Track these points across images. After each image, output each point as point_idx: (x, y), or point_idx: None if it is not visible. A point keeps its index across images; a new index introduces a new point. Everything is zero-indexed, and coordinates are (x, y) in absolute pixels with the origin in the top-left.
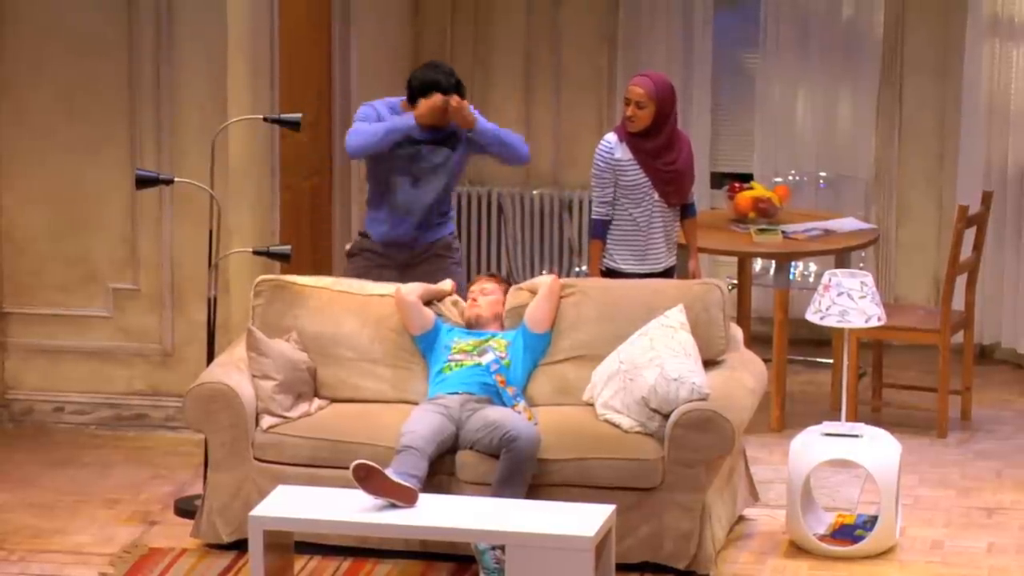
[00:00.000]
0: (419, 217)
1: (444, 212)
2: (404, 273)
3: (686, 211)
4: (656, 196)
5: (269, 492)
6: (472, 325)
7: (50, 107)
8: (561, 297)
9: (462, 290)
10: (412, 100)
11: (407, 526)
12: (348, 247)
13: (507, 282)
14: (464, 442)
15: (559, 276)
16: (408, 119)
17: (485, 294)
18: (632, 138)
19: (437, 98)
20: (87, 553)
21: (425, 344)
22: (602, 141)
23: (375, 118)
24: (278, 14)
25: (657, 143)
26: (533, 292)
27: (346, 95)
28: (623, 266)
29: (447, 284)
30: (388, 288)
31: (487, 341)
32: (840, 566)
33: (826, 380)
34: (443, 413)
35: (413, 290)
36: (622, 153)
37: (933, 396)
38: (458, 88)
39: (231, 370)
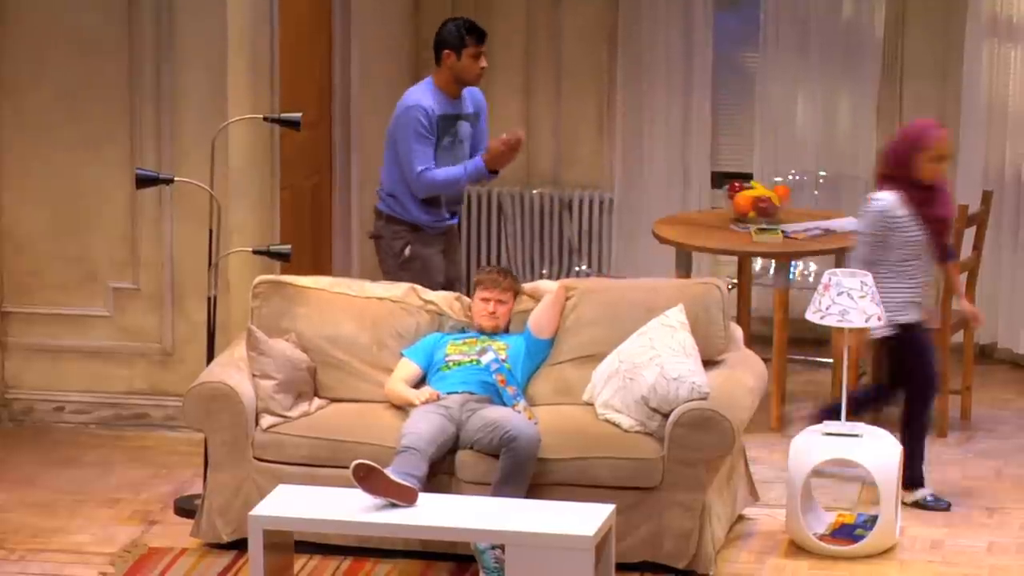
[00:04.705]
0: (457, 204)
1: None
2: (444, 258)
3: (947, 254)
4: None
5: (269, 491)
6: (484, 332)
7: (50, 107)
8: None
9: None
10: (453, 44)
11: (407, 526)
12: (407, 252)
13: (515, 279)
14: (464, 442)
15: (559, 276)
16: (479, 166)
17: (502, 304)
18: (910, 191)
19: (516, 140)
20: (87, 552)
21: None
22: (877, 199)
23: (431, 130)
24: (278, 14)
25: (932, 192)
26: (533, 297)
27: (346, 95)
28: (913, 318)
29: (424, 393)
30: (387, 290)
31: (484, 342)
32: (840, 566)
33: (826, 379)
34: (443, 414)
35: (396, 399)
36: (902, 210)
37: None
38: (481, 33)
39: (231, 369)
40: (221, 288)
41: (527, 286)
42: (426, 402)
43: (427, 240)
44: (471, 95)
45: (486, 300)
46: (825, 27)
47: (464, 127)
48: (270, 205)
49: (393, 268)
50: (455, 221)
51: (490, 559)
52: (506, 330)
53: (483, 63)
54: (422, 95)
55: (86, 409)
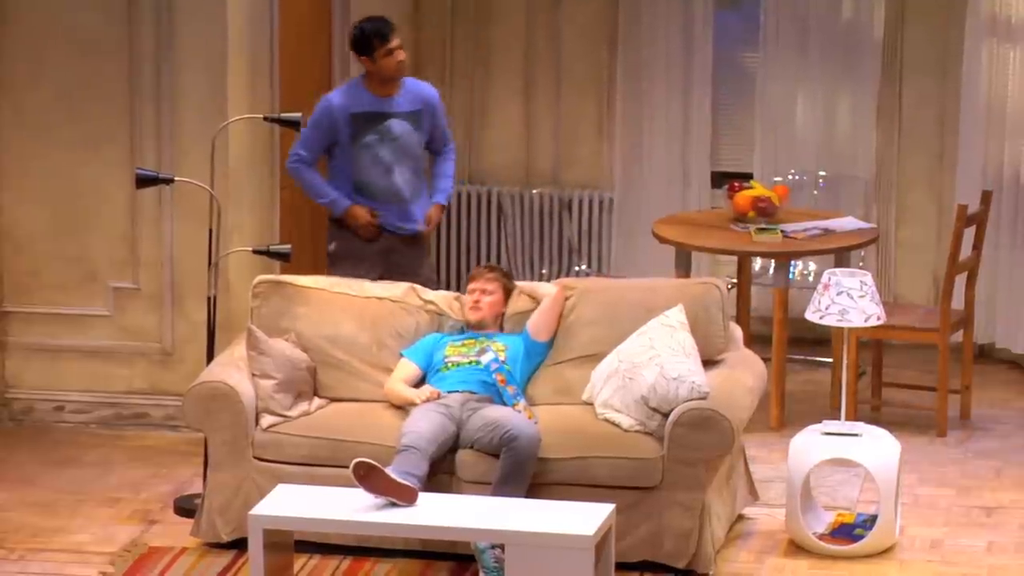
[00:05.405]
0: (399, 203)
1: (419, 194)
2: (385, 261)
3: None
4: None
5: (269, 491)
6: (472, 326)
7: (50, 106)
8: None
9: (430, 281)
10: (363, 50)
11: (407, 525)
12: (331, 248)
13: (507, 275)
14: (464, 441)
15: (559, 275)
16: (337, 209)
17: (487, 294)
18: None
19: (372, 227)
20: (87, 552)
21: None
22: None
23: (327, 126)
24: (278, 14)
25: None
26: (532, 297)
27: None
28: None
29: (424, 392)
30: (386, 290)
31: (483, 343)
32: (840, 565)
33: (825, 379)
34: (444, 413)
35: (396, 399)
36: None
37: (932, 395)
38: (384, 34)
39: (231, 369)
40: (221, 288)
41: (524, 285)
42: (426, 401)
43: (356, 243)
44: (414, 92)
45: (471, 291)
46: (825, 26)
47: (397, 125)
48: (270, 205)
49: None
50: (409, 228)
51: (490, 558)
52: (501, 328)
53: (399, 57)
54: (340, 93)
55: (86, 409)
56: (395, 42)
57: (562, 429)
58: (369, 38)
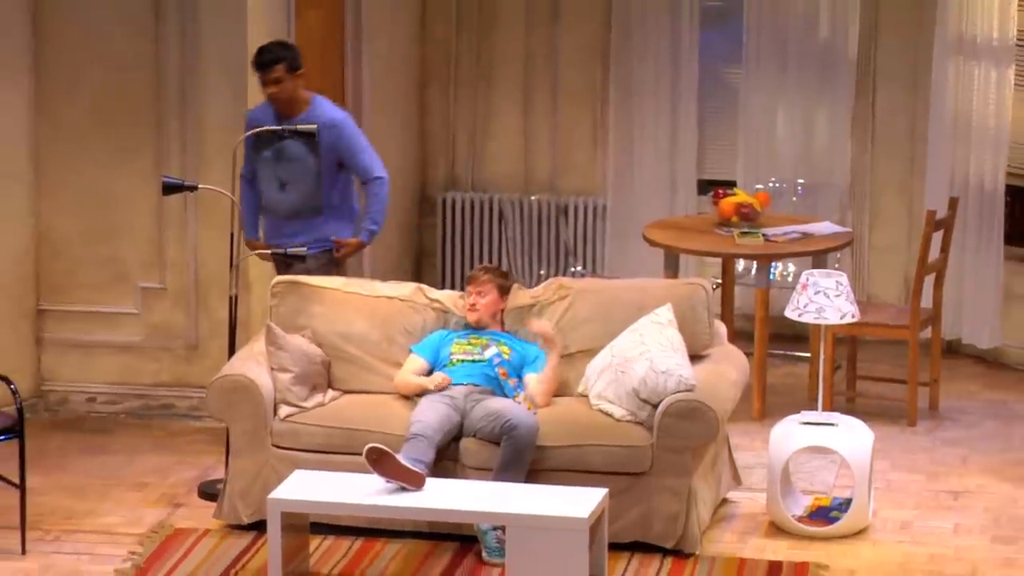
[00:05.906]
0: (290, 220)
1: (318, 213)
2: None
3: None
4: None
5: (286, 477)
6: (472, 326)
7: (84, 121)
8: (557, 300)
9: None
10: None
11: (415, 508)
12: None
13: (503, 274)
14: (468, 430)
15: (556, 275)
16: (246, 236)
17: (482, 296)
18: None
19: (267, 254)
20: (117, 533)
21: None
22: None
23: (247, 140)
24: (294, 31)
25: None
26: (533, 329)
27: (358, 107)
28: None
29: (436, 377)
30: (395, 290)
31: (488, 341)
32: (817, 545)
33: (804, 373)
34: (449, 404)
35: (407, 388)
36: None
37: (903, 387)
38: (280, 60)
39: (251, 363)
40: (242, 287)
41: (536, 327)
42: (438, 385)
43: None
44: (317, 115)
45: (468, 294)
46: (803, 44)
47: (294, 146)
48: None
49: None
50: (293, 245)
51: (492, 539)
52: (502, 324)
53: (271, 89)
54: (256, 108)
55: (116, 400)
56: (272, 74)
57: (559, 419)
58: (256, 64)
